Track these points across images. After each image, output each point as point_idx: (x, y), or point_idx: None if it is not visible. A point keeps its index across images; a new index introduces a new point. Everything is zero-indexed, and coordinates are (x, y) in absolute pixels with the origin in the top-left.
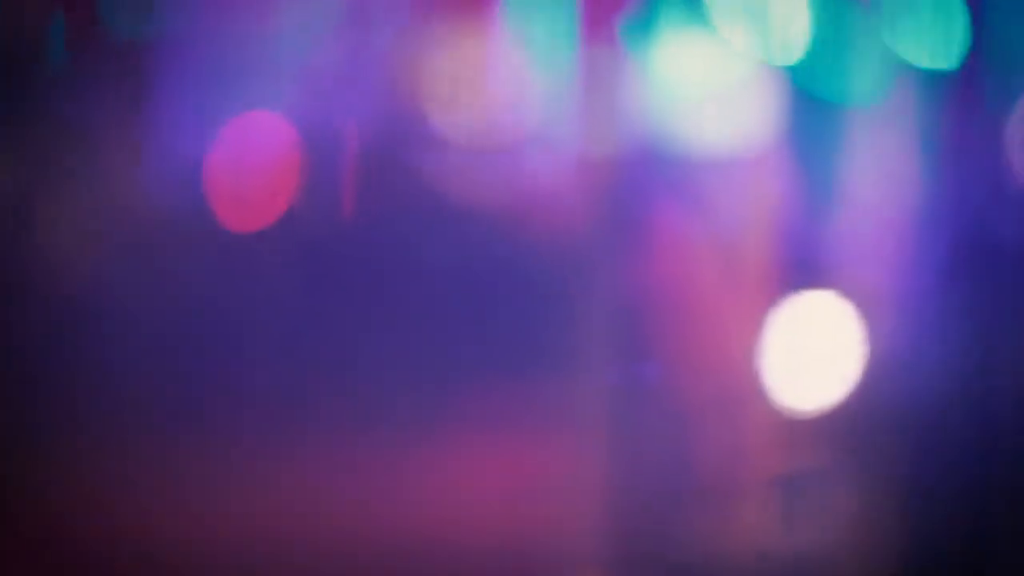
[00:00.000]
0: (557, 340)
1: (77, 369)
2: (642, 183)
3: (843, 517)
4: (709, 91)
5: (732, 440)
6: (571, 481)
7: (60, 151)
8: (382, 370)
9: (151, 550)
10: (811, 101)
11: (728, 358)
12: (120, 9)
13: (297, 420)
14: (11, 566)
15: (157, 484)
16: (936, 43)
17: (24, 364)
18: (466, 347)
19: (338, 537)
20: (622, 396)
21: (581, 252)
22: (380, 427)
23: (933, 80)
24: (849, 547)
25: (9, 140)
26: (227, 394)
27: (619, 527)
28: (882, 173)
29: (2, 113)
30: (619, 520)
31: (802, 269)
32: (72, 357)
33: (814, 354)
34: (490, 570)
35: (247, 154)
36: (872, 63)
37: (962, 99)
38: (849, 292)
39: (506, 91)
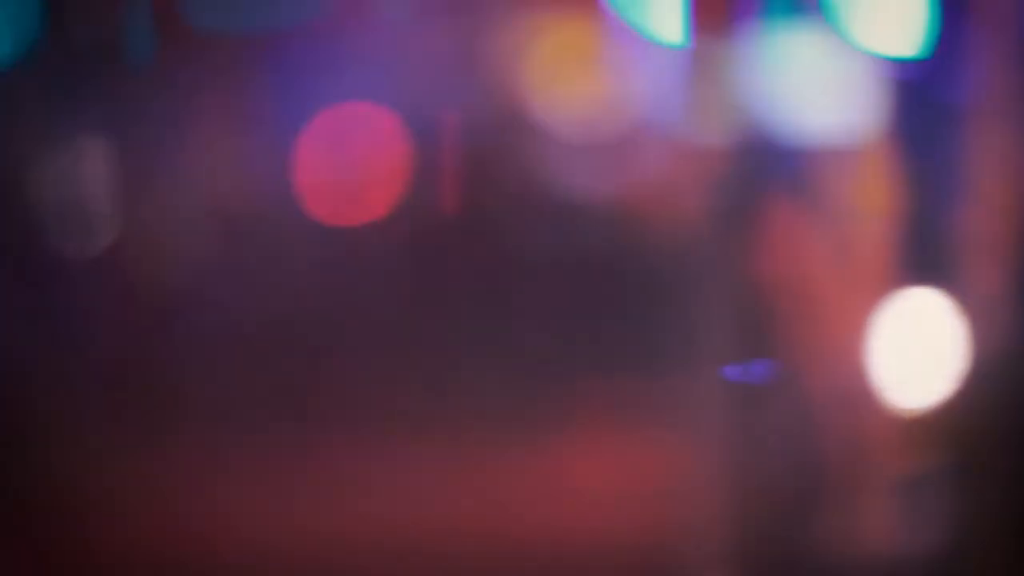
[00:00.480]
0: (671, 336)
1: (180, 368)
2: (755, 175)
3: (961, 517)
4: (823, 81)
5: (851, 439)
6: (688, 482)
7: (161, 148)
8: (495, 368)
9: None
10: (927, 94)
11: (845, 354)
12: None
13: (406, 420)
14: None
15: (273, 483)
16: None
17: (129, 362)
18: (579, 344)
19: (456, 538)
20: (737, 393)
21: (694, 246)
22: (495, 427)
23: None
24: (967, 548)
25: (107, 138)
26: (333, 394)
27: (734, 528)
28: (996, 170)
29: (94, 110)
30: (734, 521)
31: (916, 265)
32: (173, 356)
33: (930, 351)
34: (608, 571)
35: (352, 147)
36: (988, 58)
37: None
38: (963, 289)
39: (616, 81)
